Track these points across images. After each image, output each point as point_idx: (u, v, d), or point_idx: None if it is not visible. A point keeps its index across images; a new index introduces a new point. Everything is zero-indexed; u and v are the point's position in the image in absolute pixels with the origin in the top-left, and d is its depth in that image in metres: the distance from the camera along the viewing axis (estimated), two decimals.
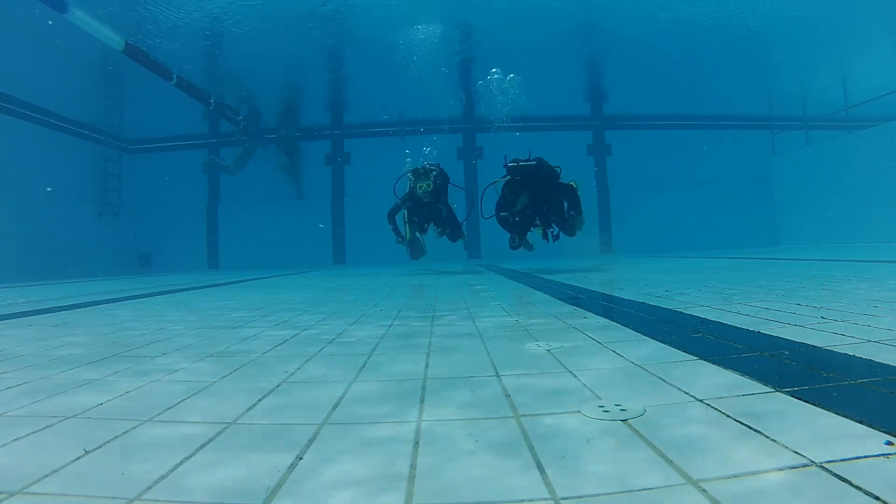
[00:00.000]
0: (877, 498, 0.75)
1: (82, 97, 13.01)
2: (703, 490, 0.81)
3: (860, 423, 1.01)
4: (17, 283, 8.50)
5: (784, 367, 1.49)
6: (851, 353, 1.58)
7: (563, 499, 0.82)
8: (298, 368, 1.77)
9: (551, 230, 7.40)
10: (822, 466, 0.85)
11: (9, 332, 2.91)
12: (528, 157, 7.03)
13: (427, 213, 8.34)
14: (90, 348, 2.26)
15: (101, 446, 1.09)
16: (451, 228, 8.66)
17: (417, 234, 8.60)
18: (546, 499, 0.82)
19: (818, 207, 13.48)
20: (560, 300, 3.51)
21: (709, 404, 1.20)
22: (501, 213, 7.23)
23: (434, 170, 8.31)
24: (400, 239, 8.51)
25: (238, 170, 15.34)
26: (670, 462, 0.91)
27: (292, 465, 0.98)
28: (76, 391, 1.54)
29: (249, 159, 15.33)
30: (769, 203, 15.32)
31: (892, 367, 1.40)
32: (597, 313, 2.80)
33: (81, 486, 0.91)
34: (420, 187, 8.01)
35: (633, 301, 3.23)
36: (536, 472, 0.91)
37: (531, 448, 1.01)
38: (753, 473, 0.85)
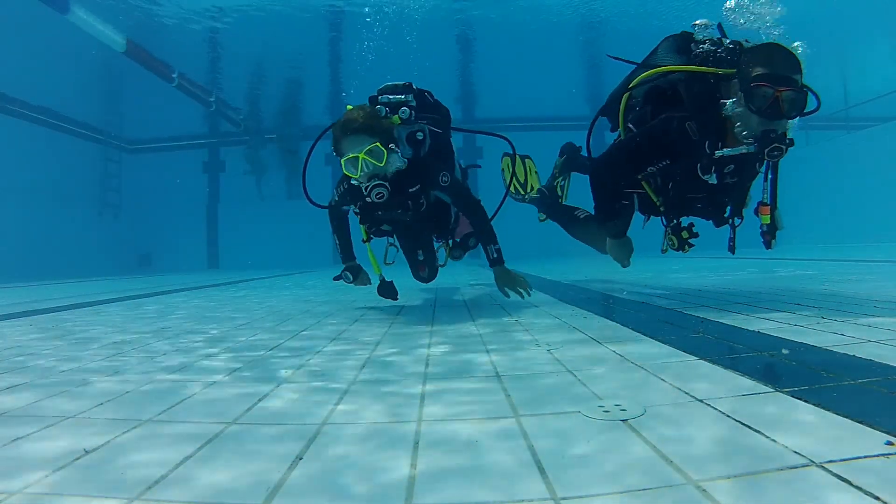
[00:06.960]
0: (877, 498, 0.74)
1: (82, 97, 13.03)
2: (703, 490, 0.81)
3: (860, 422, 1.01)
4: (30, 283, 8.49)
5: (784, 366, 1.49)
6: (851, 353, 1.57)
7: (563, 499, 0.82)
8: None
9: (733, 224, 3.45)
10: (822, 466, 0.85)
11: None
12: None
13: (402, 230, 3.60)
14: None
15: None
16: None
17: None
18: (546, 499, 0.82)
19: (818, 207, 13.47)
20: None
21: (708, 404, 1.20)
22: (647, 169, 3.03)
23: (406, 102, 3.29)
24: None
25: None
26: (670, 462, 0.91)
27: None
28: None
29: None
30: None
31: (892, 367, 1.40)
32: (596, 313, 2.81)
33: None
34: (357, 173, 2.96)
35: (633, 301, 3.23)
36: (534, 469, 0.91)
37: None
38: (753, 474, 0.85)
